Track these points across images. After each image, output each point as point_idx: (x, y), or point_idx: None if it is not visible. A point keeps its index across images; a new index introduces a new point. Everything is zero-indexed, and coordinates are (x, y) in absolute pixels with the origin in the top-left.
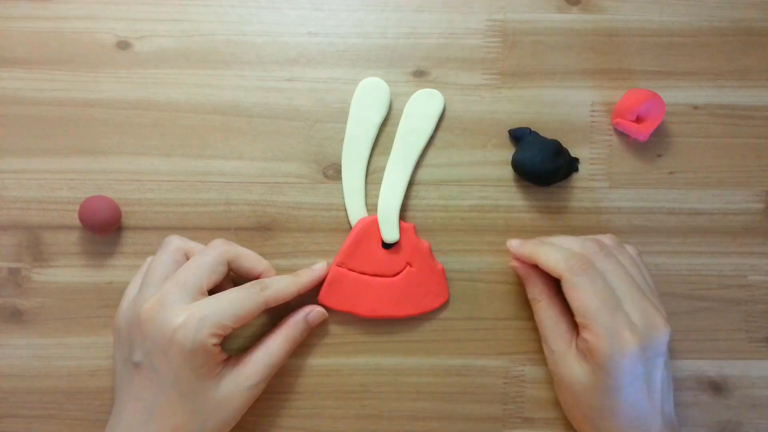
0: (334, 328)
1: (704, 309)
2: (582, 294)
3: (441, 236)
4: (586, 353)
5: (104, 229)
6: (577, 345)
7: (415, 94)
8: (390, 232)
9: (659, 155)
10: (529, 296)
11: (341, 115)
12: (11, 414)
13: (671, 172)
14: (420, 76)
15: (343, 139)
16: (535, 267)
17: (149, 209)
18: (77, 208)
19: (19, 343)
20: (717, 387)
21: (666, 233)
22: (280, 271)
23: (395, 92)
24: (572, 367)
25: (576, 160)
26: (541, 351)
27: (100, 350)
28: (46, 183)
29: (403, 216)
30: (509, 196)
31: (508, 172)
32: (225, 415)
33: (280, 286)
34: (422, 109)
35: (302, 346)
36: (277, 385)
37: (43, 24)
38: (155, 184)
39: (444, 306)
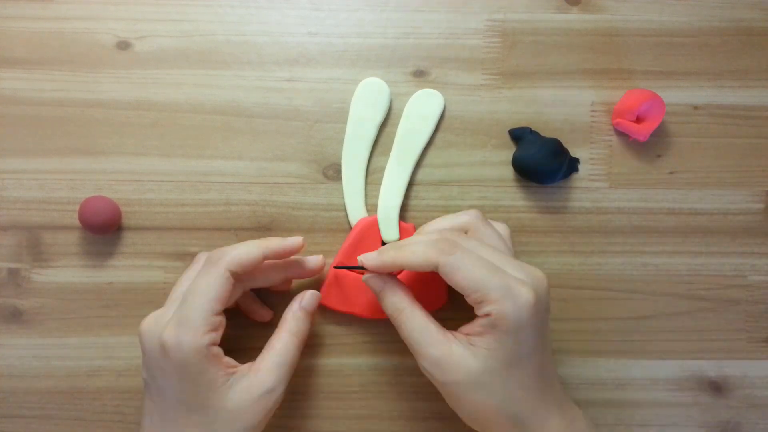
0: (334, 328)
1: (704, 309)
2: (464, 271)
3: None
4: (491, 329)
5: (104, 230)
6: (463, 335)
7: (415, 95)
8: (390, 232)
9: (659, 155)
10: (390, 310)
11: (341, 115)
12: (11, 414)
13: (671, 172)
14: (420, 76)
15: (343, 139)
16: (389, 276)
17: (149, 209)
18: (77, 208)
19: (19, 343)
20: (717, 387)
21: (666, 233)
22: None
23: (395, 92)
24: (467, 362)
25: (576, 160)
26: None
27: (99, 350)
28: (46, 183)
29: (403, 216)
30: (509, 196)
31: (508, 172)
32: (242, 426)
33: (239, 249)
34: (422, 109)
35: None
36: None
37: (43, 24)
38: (155, 184)
39: (444, 306)
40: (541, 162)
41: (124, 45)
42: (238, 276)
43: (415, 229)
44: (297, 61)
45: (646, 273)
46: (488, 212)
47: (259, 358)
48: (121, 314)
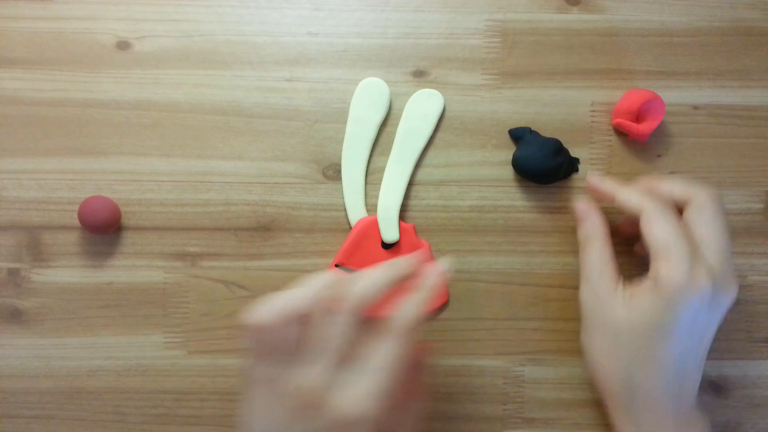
0: None
1: None
2: (662, 224)
3: (441, 236)
4: (653, 285)
5: (104, 230)
6: (632, 288)
7: (414, 95)
8: (390, 232)
9: (659, 155)
10: (582, 235)
11: (341, 115)
12: (11, 414)
13: (671, 172)
14: (420, 76)
15: (343, 139)
16: (595, 207)
17: (149, 209)
18: (77, 208)
19: (19, 343)
20: (717, 387)
21: None
22: (280, 272)
23: (395, 92)
24: (619, 309)
25: (576, 160)
26: (541, 351)
27: (100, 350)
28: (46, 183)
29: (403, 216)
30: (509, 196)
31: (508, 172)
32: None
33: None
34: (422, 109)
35: None
36: None
37: (43, 24)
38: (155, 184)
39: (444, 306)
40: (542, 162)
41: (124, 45)
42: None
43: (415, 229)
44: (297, 61)
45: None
46: (488, 212)
47: None
48: (121, 314)
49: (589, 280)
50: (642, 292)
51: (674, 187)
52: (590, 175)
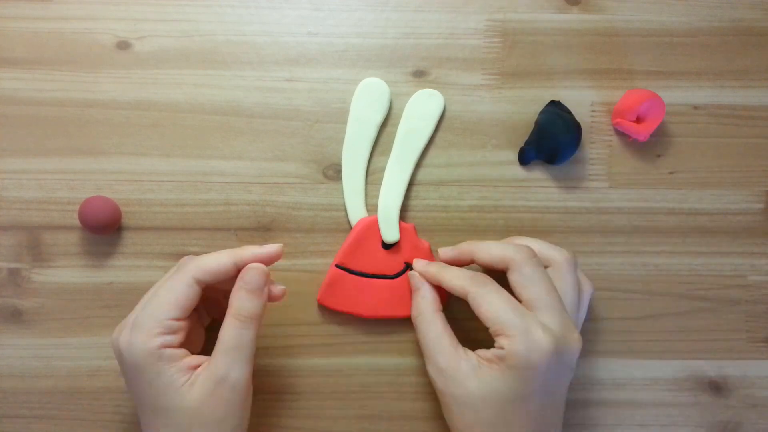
0: (334, 328)
1: (704, 309)
2: (489, 304)
3: (441, 236)
4: (499, 361)
5: (104, 230)
6: (478, 358)
7: (415, 95)
8: (390, 232)
9: (659, 155)
10: (415, 311)
11: (341, 115)
12: (11, 414)
13: (671, 172)
14: (420, 76)
15: (343, 139)
16: (428, 282)
17: (149, 209)
18: (77, 208)
19: (19, 343)
20: (717, 387)
21: (666, 233)
22: (280, 272)
23: (395, 92)
24: (469, 382)
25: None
26: None
27: (100, 350)
28: (46, 183)
29: (403, 216)
30: (509, 196)
31: (508, 172)
32: (204, 422)
33: (210, 257)
34: (422, 109)
35: (302, 347)
36: (277, 386)
37: (43, 24)
38: (155, 184)
39: (444, 307)
40: (564, 133)
41: (124, 45)
42: (207, 284)
43: (415, 229)
44: (297, 61)
45: (646, 273)
46: (488, 212)
47: (215, 348)
48: (121, 314)
49: (430, 357)
50: (490, 367)
51: (492, 251)
52: (416, 261)
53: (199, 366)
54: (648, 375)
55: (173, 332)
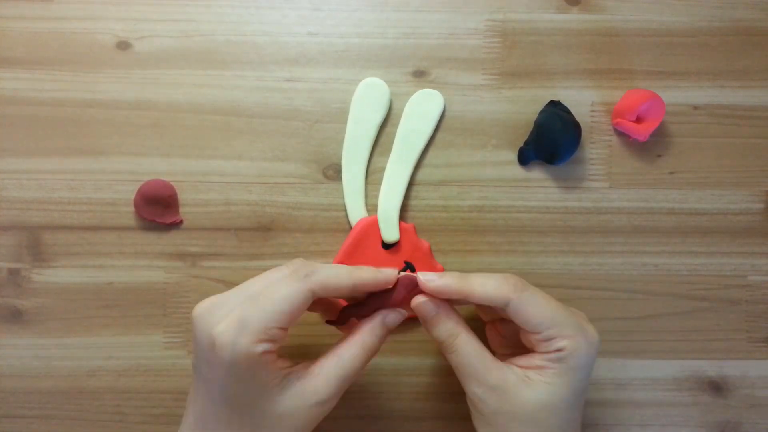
0: (333, 328)
1: (704, 309)
2: (538, 307)
3: (441, 236)
4: (557, 364)
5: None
6: (517, 366)
7: (415, 95)
8: (390, 232)
9: (659, 155)
10: (442, 336)
11: (341, 115)
12: (11, 414)
13: (671, 172)
14: (420, 76)
15: (343, 139)
16: (442, 301)
17: None
18: (77, 207)
19: (19, 343)
20: (717, 387)
21: (666, 233)
22: None
23: (395, 92)
24: (525, 392)
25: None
26: None
27: (100, 350)
28: (46, 183)
29: (403, 216)
30: (509, 196)
31: (508, 172)
32: (288, 429)
33: (330, 272)
34: (422, 109)
35: (302, 346)
36: None
37: (43, 24)
38: None
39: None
40: (563, 133)
41: (124, 45)
42: (319, 297)
43: (415, 229)
44: (297, 61)
45: (646, 273)
46: (488, 212)
47: (319, 363)
48: (121, 314)
49: (476, 376)
50: (541, 372)
51: (488, 288)
52: (423, 278)
53: (287, 368)
54: (648, 375)
55: (276, 340)
